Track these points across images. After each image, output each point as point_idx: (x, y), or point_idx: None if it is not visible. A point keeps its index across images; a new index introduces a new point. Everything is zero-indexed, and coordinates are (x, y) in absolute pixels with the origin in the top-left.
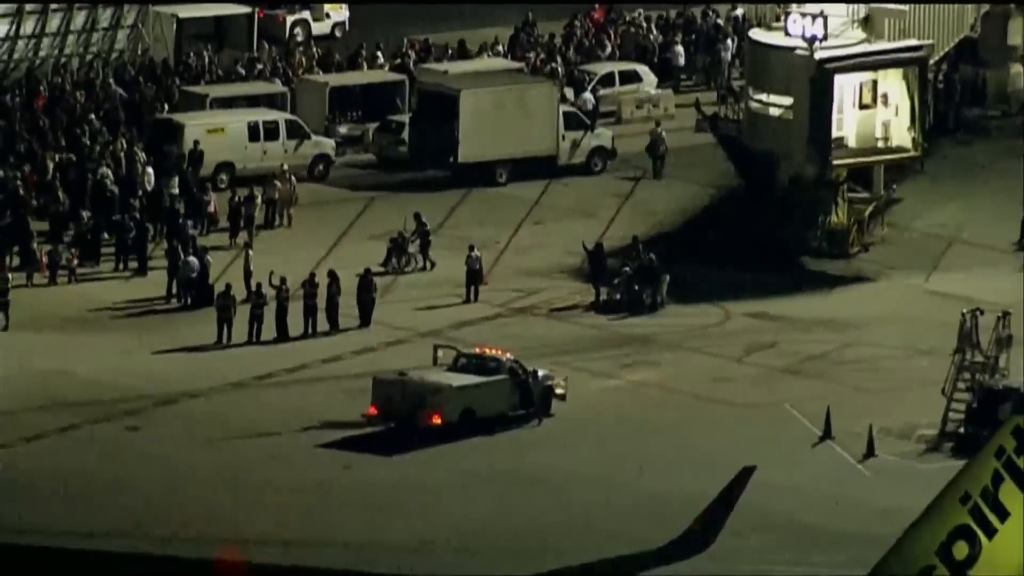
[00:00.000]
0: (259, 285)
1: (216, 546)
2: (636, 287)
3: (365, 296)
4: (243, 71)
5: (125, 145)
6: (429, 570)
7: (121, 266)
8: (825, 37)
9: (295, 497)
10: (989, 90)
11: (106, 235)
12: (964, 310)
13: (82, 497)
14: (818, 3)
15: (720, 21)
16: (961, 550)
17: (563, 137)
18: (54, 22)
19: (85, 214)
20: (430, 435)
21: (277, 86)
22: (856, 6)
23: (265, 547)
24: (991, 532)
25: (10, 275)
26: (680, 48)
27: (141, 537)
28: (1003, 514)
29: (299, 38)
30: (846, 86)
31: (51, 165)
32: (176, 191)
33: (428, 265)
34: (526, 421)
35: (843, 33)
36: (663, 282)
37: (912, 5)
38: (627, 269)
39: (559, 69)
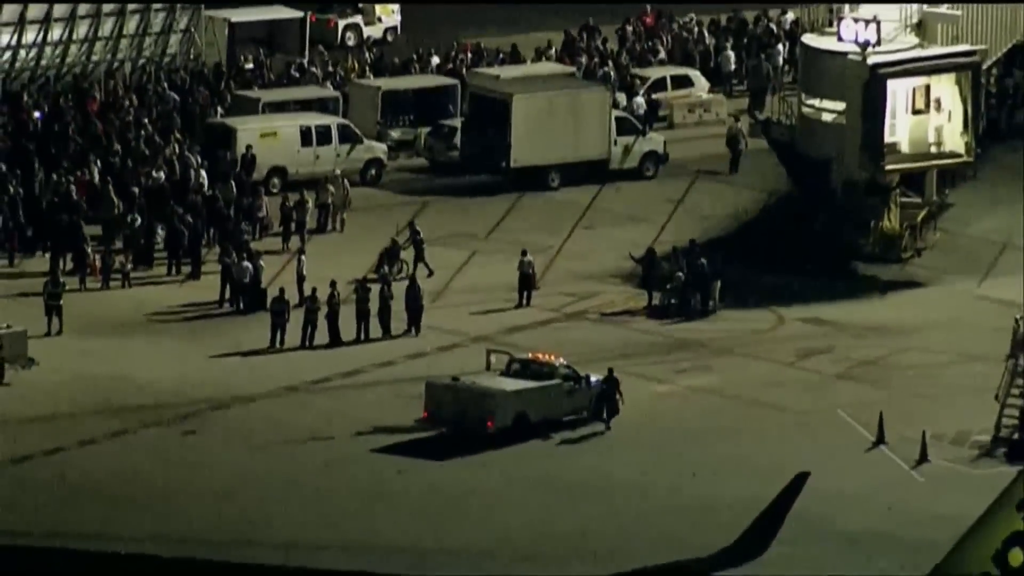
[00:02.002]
0: (314, 290)
1: (270, 551)
2: (688, 293)
3: (413, 303)
4: (295, 75)
5: (178, 149)
6: (483, 575)
7: (174, 270)
8: (878, 42)
9: (349, 502)
10: None
11: (159, 240)
12: (1017, 315)
13: (136, 502)
14: (872, 3)
15: (773, 26)
16: (1016, 557)
17: (615, 142)
18: (107, 27)
19: (138, 218)
20: (483, 440)
21: (329, 90)
22: (909, 10)
23: (319, 552)
24: None
25: (64, 280)
26: (731, 53)
27: (195, 542)
28: None
29: (351, 42)
30: (899, 91)
31: (104, 170)
32: (230, 195)
33: (429, 272)
34: (580, 426)
35: (896, 38)
36: (715, 287)
37: (965, 7)
38: (680, 274)
39: (611, 73)
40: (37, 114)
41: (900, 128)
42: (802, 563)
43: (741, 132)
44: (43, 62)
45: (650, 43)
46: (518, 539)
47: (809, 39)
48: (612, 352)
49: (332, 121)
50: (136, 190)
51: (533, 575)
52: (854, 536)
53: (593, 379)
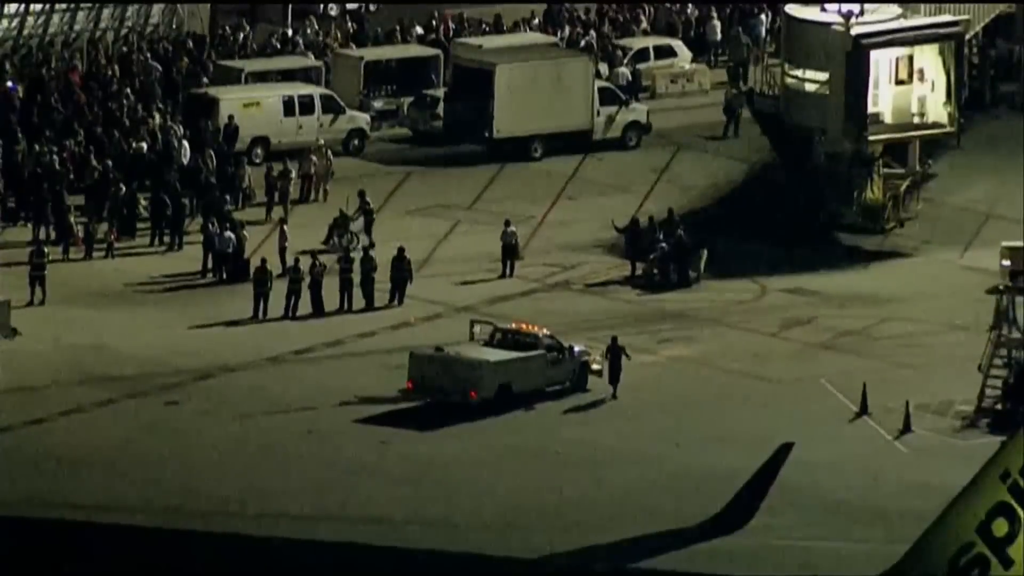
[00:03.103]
0: (296, 260)
1: (251, 521)
2: (668, 263)
3: (399, 273)
4: (278, 45)
5: (160, 120)
6: (466, 546)
7: (157, 241)
8: (861, 12)
9: (332, 472)
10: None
11: (142, 210)
12: (1000, 286)
13: (119, 471)
14: None
15: None
16: (1001, 527)
17: (598, 112)
18: None
19: (121, 188)
20: (467, 411)
21: (312, 60)
22: None
23: (302, 522)
24: None
25: (47, 249)
26: (717, 23)
27: (178, 512)
28: None
29: (333, 12)
30: (882, 62)
31: (86, 140)
32: (212, 165)
33: (371, 243)
34: (563, 396)
35: (879, 8)
36: (700, 257)
37: None
38: (663, 245)
39: (594, 44)
40: (10, 84)
41: (883, 98)
42: (786, 532)
43: (737, 97)
44: (25, 32)
45: (632, 13)
46: (502, 510)
47: (792, 9)
48: (595, 323)
49: (315, 91)
50: (119, 160)
51: (517, 545)
52: (838, 506)
53: (576, 349)
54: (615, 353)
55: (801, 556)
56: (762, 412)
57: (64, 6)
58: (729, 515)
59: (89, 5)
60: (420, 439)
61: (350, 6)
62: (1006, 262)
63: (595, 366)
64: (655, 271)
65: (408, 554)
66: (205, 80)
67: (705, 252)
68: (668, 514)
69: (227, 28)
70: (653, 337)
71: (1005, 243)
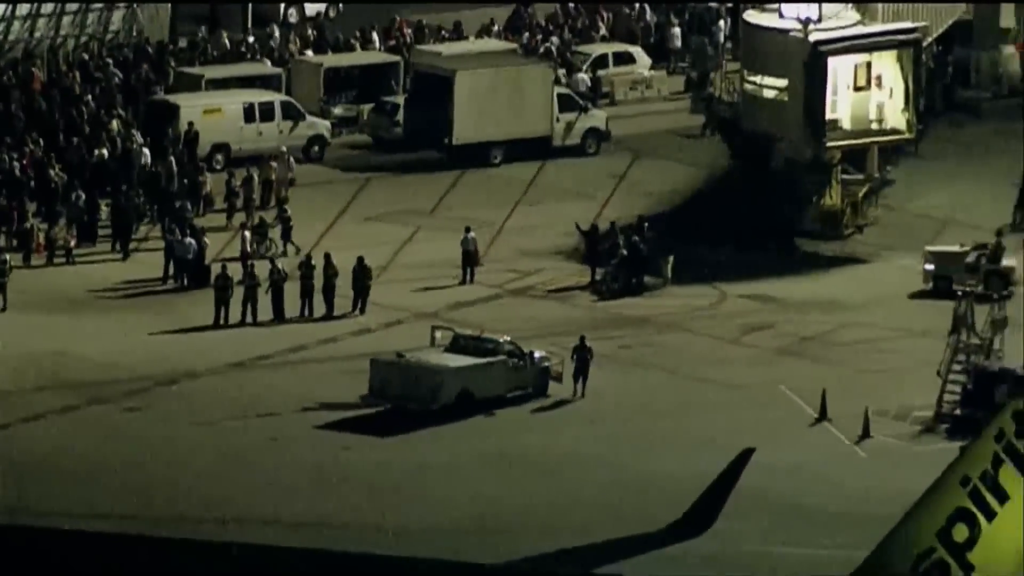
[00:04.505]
0: (252, 266)
1: (215, 526)
2: (625, 269)
3: (359, 282)
4: (241, 51)
5: (121, 126)
6: (428, 552)
7: (118, 247)
8: (819, 19)
9: (294, 478)
10: (981, 72)
11: (102, 216)
12: (959, 291)
13: (81, 477)
14: None
15: (713, 3)
16: (961, 532)
17: (557, 118)
18: (49, 3)
19: (82, 195)
20: (428, 416)
21: (272, 67)
22: None
23: (264, 528)
24: (991, 515)
25: (7, 256)
26: (677, 30)
27: (141, 518)
28: (1003, 497)
29: (293, 19)
30: (840, 68)
31: (47, 146)
32: (172, 172)
33: (288, 251)
34: (524, 402)
35: (837, 15)
36: (667, 262)
37: None
38: (623, 251)
39: (553, 50)
40: None
41: (841, 105)
42: (747, 537)
43: (715, 96)
44: None
45: (591, 20)
46: (463, 515)
47: (751, 16)
48: (556, 328)
49: (275, 98)
50: (79, 167)
51: (480, 551)
52: (798, 511)
53: (537, 355)
54: (583, 356)
55: (762, 560)
56: (723, 417)
57: (25, 12)
58: (691, 519)
59: (50, 12)
60: (381, 445)
61: (309, 12)
62: (929, 265)
63: (556, 370)
64: (611, 277)
65: (369, 560)
66: (165, 87)
67: (672, 257)
68: (631, 518)
69: (187, 35)
70: (614, 343)
71: (928, 247)
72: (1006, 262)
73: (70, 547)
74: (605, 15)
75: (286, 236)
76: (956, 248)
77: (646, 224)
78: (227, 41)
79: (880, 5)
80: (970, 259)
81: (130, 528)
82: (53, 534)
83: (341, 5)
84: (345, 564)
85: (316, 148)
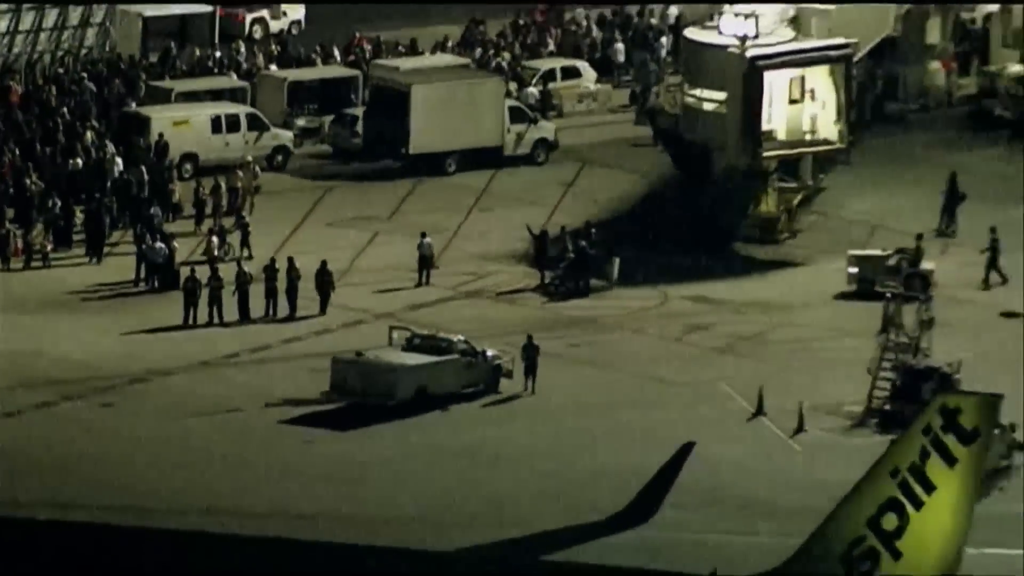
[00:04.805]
0: (215, 269)
1: (182, 517)
2: (572, 272)
3: (321, 284)
4: (209, 65)
5: (95, 137)
6: (386, 540)
7: (92, 251)
8: (756, 36)
9: (260, 471)
10: (909, 86)
11: (77, 222)
12: (888, 293)
13: (57, 470)
14: (750, 3)
15: (655, 20)
16: (890, 521)
17: (508, 129)
18: (27, 20)
19: (58, 202)
20: (386, 412)
21: (238, 81)
22: (784, 6)
23: (232, 517)
24: (918, 504)
25: None
26: (620, 45)
27: (114, 509)
28: (930, 488)
29: (258, 35)
30: (776, 82)
31: (24, 156)
32: (144, 180)
33: (248, 254)
34: (477, 398)
35: (773, 32)
36: (612, 265)
37: (838, 5)
38: (571, 255)
39: (504, 65)
40: None
41: (777, 116)
42: (688, 526)
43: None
44: None
45: (540, 36)
46: (420, 506)
47: (691, 33)
48: (508, 328)
49: (241, 110)
50: (55, 175)
51: (435, 539)
52: (737, 501)
53: (489, 353)
54: (531, 352)
55: (702, 549)
56: (665, 413)
57: (3, 29)
58: (635, 510)
59: (28, 29)
60: (342, 439)
61: (273, 29)
62: (853, 269)
63: (507, 367)
64: (560, 280)
65: (331, 548)
66: (136, 100)
67: (617, 261)
68: (578, 508)
69: (157, 50)
70: (562, 342)
71: (851, 251)
72: (925, 265)
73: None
74: (553, 31)
75: (244, 241)
76: (878, 252)
77: (593, 229)
78: (196, 56)
79: (814, 23)
80: (891, 262)
81: (103, 518)
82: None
83: (303, 22)
84: (307, 552)
85: (280, 158)
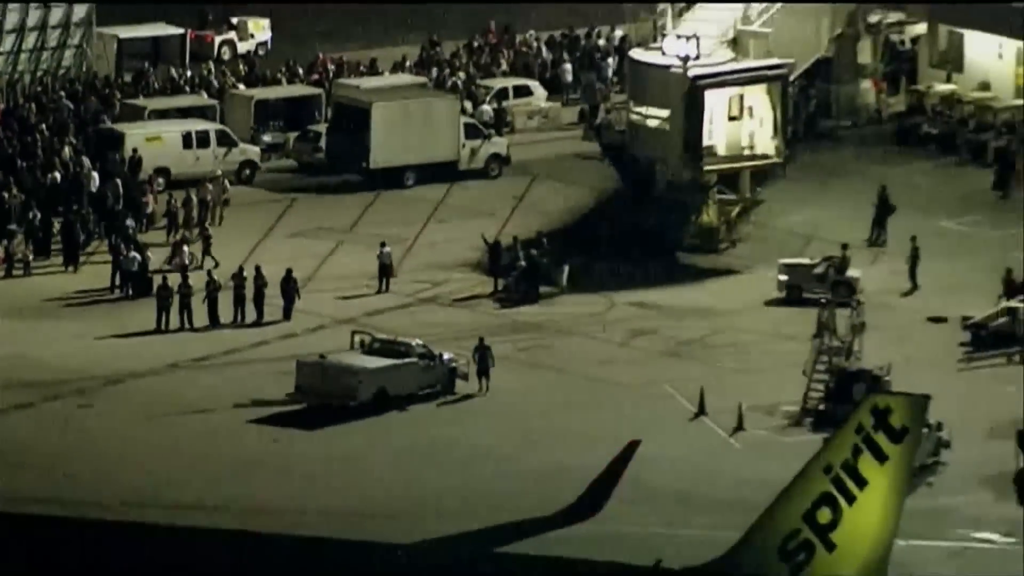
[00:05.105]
0: (186, 276)
1: (156, 511)
2: (522, 280)
3: (286, 292)
4: (180, 84)
5: (72, 152)
6: (347, 533)
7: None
8: (697, 57)
9: (230, 467)
10: (841, 104)
11: (56, 233)
12: (822, 299)
13: (37, 466)
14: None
15: (602, 42)
16: (824, 515)
17: (463, 145)
18: (8, 42)
19: (37, 214)
20: (348, 412)
21: (207, 99)
22: (724, 29)
23: (201, 512)
24: (851, 499)
25: None
26: (568, 66)
27: (90, 504)
28: (862, 483)
29: (226, 56)
30: (716, 100)
31: (5, 171)
32: (119, 193)
33: (206, 264)
34: (434, 399)
35: (713, 53)
36: (562, 272)
37: (774, 25)
38: (523, 263)
39: (460, 84)
40: None
41: (717, 133)
42: (633, 520)
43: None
44: None
45: (493, 57)
46: (380, 500)
47: (636, 54)
48: (463, 333)
49: (211, 127)
50: (34, 189)
51: (394, 532)
52: (679, 497)
53: (445, 356)
54: (483, 353)
55: (647, 541)
56: (611, 413)
57: None
58: (583, 505)
59: (8, 50)
60: (307, 438)
61: (241, 50)
62: (783, 276)
63: (462, 370)
64: (512, 287)
65: (293, 540)
66: (111, 117)
67: (567, 268)
68: (528, 504)
69: (131, 70)
70: (514, 345)
71: (781, 259)
72: (851, 273)
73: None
74: (506, 52)
75: (207, 251)
76: (807, 261)
77: (544, 239)
78: (168, 76)
79: (752, 44)
80: (819, 270)
81: (81, 512)
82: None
83: (270, 44)
84: (269, 544)
85: (247, 172)
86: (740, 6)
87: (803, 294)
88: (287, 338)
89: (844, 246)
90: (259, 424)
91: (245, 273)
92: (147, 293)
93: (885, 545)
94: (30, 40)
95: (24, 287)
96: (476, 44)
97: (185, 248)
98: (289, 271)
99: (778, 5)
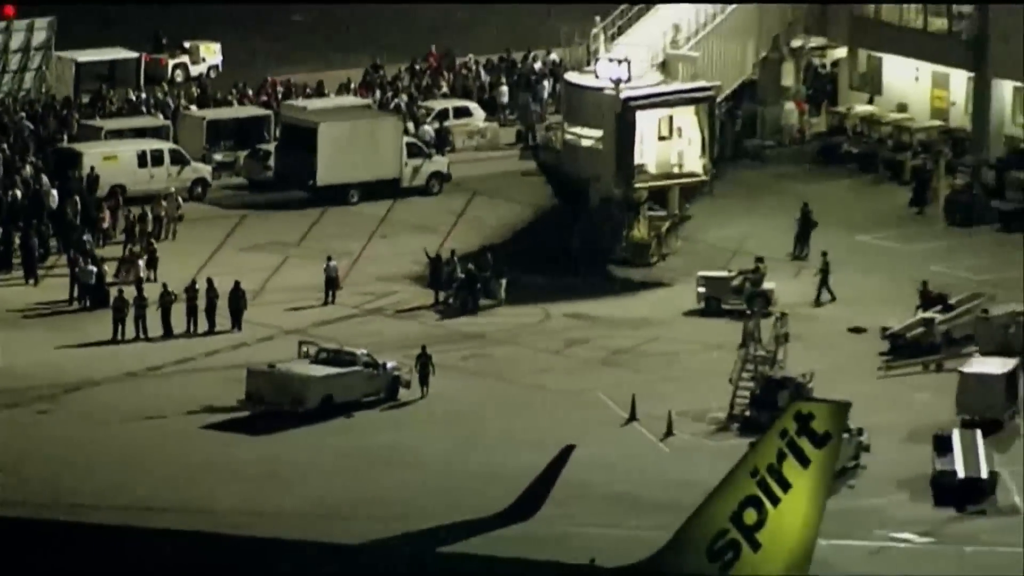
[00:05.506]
0: (141, 289)
1: (113, 513)
2: (462, 292)
3: (236, 303)
4: (135, 105)
5: (32, 171)
6: (295, 533)
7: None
8: (629, 79)
9: (183, 471)
10: (766, 124)
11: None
12: (747, 311)
13: None
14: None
15: (538, 65)
16: (751, 516)
17: (406, 163)
18: None
19: None
20: (296, 418)
21: (161, 120)
22: (654, 52)
23: (155, 514)
24: (776, 501)
25: None
26: (505, 88)
27: (49, 506)
28: (786, 486)
29: (179, 78)
30: (647, 121)
31: None
32: (77, 209)
33: (153, 277)
34: (378, 405)
35: (644, 76)
36: (500, 285)
37: (702, 49)
38: (462, 276)
39: (402, 105)
40: None
41: (648, 152)
42: (568, 521)
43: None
44: None
45: (434, 79)
46: (327, 502)
47: (571, 76)
48: (406, 343)
49: (165, 146)
50: None
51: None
52: (613, 499)
53: (389, 365)
54: (424, 361)
55: (582, 541)
56: (547, 419)
57: None
58: (521, 506)
59: None
60: (256, 442)
61: (193, 73)
62: (702, 288)
63: (405, 378)
64: (452, 299)
65: (242, 541)
66: (69, 137)
67: (505, 281)
68: (467, 505)
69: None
70: (455, 354)
71: (701, 272)
72: (767, 285)
73: None
74: (446, 75)
75: (152, 265)
76: (724, 273)
77: (488, 253)
78: (124, 97)
79: (680, 67)
80: (736, 283)
81: (39, 514)
82: None
83: (220, 67)
84: (218, 544)
85: (200, 189)
86: (670, 30)
87: (721, 305)
88: (238, 348)
89: (759, 259)
90: (211, 430)
91: (197, 286)
92: (104, 305)
93: (808, 544)
94: None
95: None
96: (418, 67)
97: (140, 262)
98: (237, 283)
99: (708, 29)
